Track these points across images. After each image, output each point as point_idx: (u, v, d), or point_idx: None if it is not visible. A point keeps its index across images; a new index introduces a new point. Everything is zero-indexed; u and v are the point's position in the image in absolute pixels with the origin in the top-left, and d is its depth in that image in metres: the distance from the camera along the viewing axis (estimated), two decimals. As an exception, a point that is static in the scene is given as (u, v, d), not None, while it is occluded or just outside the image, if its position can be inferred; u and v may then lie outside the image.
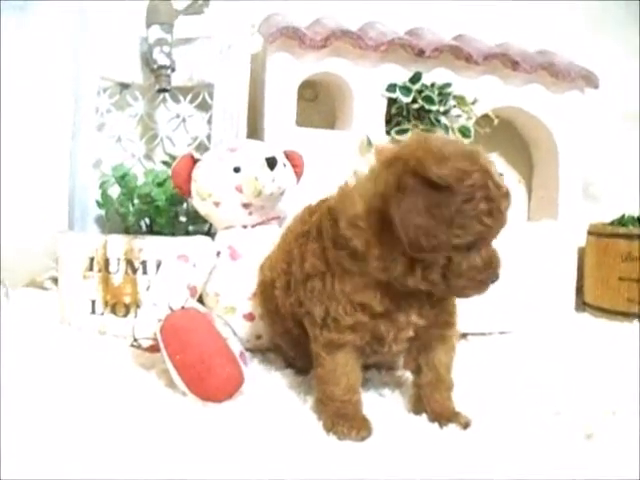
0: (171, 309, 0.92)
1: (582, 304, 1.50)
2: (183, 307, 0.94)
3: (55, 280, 1.44)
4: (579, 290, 1.48)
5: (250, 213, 1.12)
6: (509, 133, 1.54)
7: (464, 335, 1.22)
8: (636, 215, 1.48)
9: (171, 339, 0.87)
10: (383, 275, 0.73)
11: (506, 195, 0.70)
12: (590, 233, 1.49)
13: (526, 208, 1.56)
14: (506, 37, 1.51)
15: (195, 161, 1.14)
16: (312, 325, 0.82)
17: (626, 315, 1.38)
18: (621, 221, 1.47)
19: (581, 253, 1.49)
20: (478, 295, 0.74)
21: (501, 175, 0.72)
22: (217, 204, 1.11)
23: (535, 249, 1.38)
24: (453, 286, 0.72)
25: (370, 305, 0.76)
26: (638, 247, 1.38)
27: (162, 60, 1.30)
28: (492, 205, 0.68)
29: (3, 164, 1.45)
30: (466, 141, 1.34)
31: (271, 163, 1.08)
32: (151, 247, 1.15)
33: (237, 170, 1.09)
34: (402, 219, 0.67)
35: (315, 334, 0.81)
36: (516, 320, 1.32)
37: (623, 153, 1.73)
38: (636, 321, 1.36)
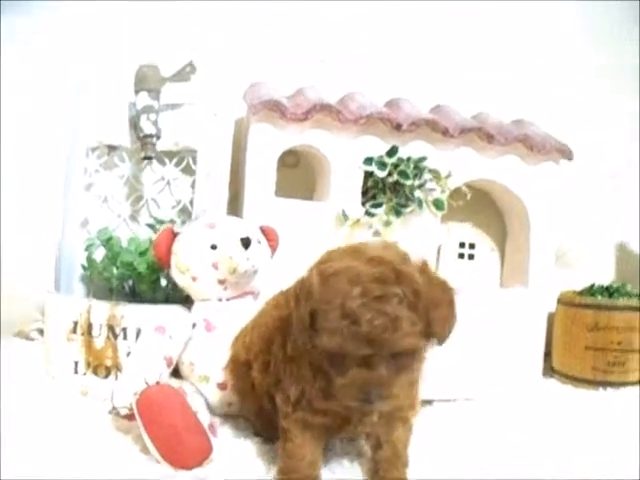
0: (147, 383, 0.99)
1: (550, 369, 1.53)
2: (158, 382, 1.01)
3: (41, 331, 1.49)
4: (547, 355, 1.52)
5: (225, 288, 1.17)
6: (484, 202, 1.57)
7: (429, 401, 1.26)
8: (606, 284, 1.51)
9: (146, 412, 0.93)
10: None
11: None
12: (559, 302, 1.52)
13: (499, 275, 1.60)
14: (485, 104, 1.57)
15: (175, 235, 1.18)
16: (284, 403, 0.86)
17: (591, 383, 1.42)
18: (590, 290, 1.50)
19: (552, 319, 1.53)
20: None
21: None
22: (194, 279, 1.16)
23: (504, 315, 1.42)
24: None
25: None
26: (604, 318, 1.42)
27: (148, 129, 1.35)
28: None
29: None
30: (439, 214, 1.39)
31: (245, 243, 1.13)
32: (131, 315, 1.21)
33: (214, 247, 1.14)
34: None
35: (287, 411, 0.85)
36: (482, 386, 1.35)
37: (598, 221, 1.78)
38: (601, 389, 1.40)
